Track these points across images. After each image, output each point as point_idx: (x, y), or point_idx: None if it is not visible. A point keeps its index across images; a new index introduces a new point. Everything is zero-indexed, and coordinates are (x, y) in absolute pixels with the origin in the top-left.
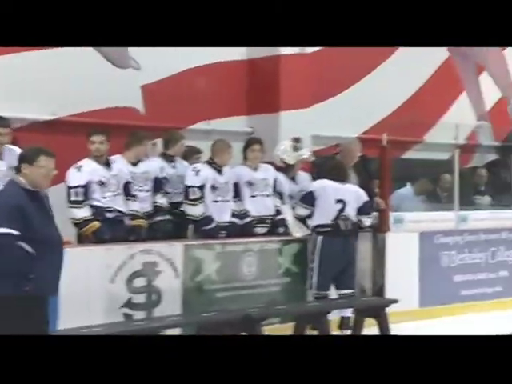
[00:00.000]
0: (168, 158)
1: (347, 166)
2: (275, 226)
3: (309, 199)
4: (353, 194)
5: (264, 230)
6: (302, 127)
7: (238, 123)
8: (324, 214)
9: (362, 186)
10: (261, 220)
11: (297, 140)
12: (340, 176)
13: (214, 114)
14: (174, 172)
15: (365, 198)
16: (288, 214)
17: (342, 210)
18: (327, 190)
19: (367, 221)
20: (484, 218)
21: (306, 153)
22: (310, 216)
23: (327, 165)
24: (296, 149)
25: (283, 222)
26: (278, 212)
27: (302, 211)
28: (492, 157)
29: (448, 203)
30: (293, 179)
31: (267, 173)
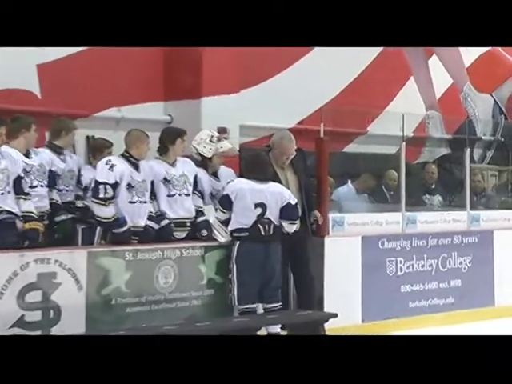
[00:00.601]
0: (56, 150)
1: (281, 162)
2: (196, 229)
3: (225, 202)
4: (275, 195)
5: (183, 235)
6: (227, 116)
7: (153, 110)
8: (241, 218)
9: (299, 185)
10: (180, 223)
11: (223, 130)
12: (260, 174)
13: (125, 99)
14: (64, 166)
15: (289, 200)
16: (210, 216)
17: (262, 214)
18: (244, 192)
19: (289, 227)
20: (434, 220)
21: (225, 145)
22: (229, 220)
23: (246, 161)
24: (214, 140)
25: (205, 225)
26: (200, 214)
27: (221, 215)
28: (443, 151)
29: (394, 203)
30: (215, 175)
31: (186, 168)
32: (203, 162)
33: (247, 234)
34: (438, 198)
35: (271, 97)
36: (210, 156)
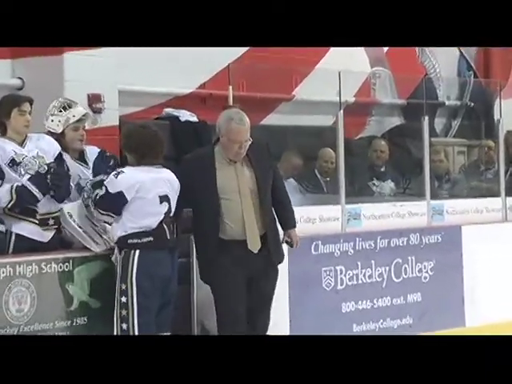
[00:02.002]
0: None
1: (232, 154)
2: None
3: (115, 203)
4: (174, 184)
5: (46, 239)
6: (101, 78)
7: None
8: (140, 219)
9: (258, 189)
10: (41, 221)
11: (95, 98)
12: (155, 157)
13: None
14: None
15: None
16: (75, 215)
17: (168, 211)
18: (145, 184)
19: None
20: (385, 213)
21: (78, 111)
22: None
23: (134, 139)
24: (66, 108)
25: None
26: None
27: (104, 218)
28: (395, 121)
29: (331, 193)
30: (82, 160)
31: (42, 146)
32: (60, 143)
33: (151, 239)
34: (388, 185)
35: (160, 52)
36: (59, 131)
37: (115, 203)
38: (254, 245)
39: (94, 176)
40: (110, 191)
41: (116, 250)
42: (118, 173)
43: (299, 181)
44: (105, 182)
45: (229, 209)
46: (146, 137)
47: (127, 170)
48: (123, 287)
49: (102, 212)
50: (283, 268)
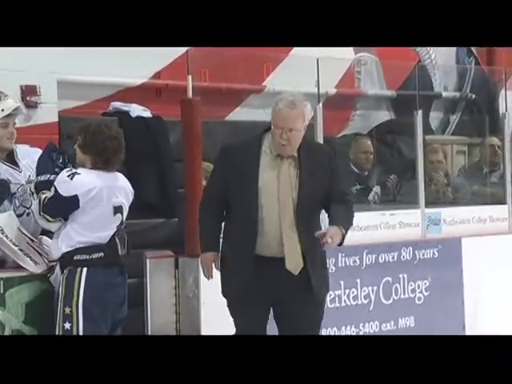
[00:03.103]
0: None
1: (276, 143)
2: None
3: (66, 208)
4: (128, 192)
5: None
6: (37, 67)
7: None
8: (91, 231)
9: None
10: None
11: (29, 90)
12: (117, 161)
13: None
14: None
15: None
16: (13, 228)
17: (121, 223)
18: (100, 190)
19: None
20: (371, 224)
21: (8, 105)
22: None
23: (93, 138)
24: None
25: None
26: None
27: (50, 225)
28: (383, 116)
29: None
30: (12, 162)
31: None
32: None
33: (101, 255)
34: (375, 191)
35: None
36: None
37: (67, 209)
38: (293, 264)
39: (38, 175)
40: (63, 194)
41: (57, 268)
42: (73, 173)
43: None
44: (55, 183)
45: (264, 218)
46: (112, 140)
47: (83, 172)
48: (67, 311)
49: (51, 219)
50: None
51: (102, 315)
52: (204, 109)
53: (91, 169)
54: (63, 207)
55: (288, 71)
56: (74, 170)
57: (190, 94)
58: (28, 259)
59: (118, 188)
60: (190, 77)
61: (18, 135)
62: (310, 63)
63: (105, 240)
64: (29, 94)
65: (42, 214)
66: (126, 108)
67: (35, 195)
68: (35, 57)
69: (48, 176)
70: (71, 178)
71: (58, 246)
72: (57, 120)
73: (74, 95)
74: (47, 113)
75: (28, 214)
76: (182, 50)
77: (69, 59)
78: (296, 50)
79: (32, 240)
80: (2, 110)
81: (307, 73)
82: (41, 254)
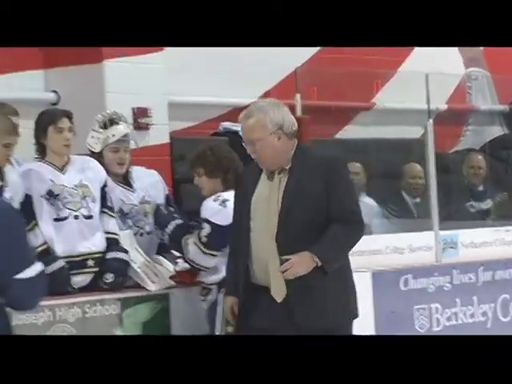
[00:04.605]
0: None
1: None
2: (104, 271)
3: (223, 237)
4: None
5: (84, 282)
6: (148, 89)
7: (26, 84)
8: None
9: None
10: (76, 263)
11: (141, 112)
12: (234, 176)
13: None
14: None
15: None
16: (131, 248)
17: None
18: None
19: None
20: (486, 240)
21: (118, 131)
22: None
23: (223, 160)
24: (107, 125)
25: (116, 266)
26: (112, 245)
27: (215, 260)
28: (495, 131)
29: (422, 217)
30: (126, 183)
31: (86, 173)
32: (101, 163)
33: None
34: (486, 205)
35: (217, 56)
36: (97, 150)
37: (228, 236)
38: (277, 292)
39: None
40: (221, 224)
41: (214, 289)
42: (223, 201)
43: (383, 203)
44: (208, 217)
45: (252, 242)
46: (232, 158)
47: (228, 195)
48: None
49: (217, 253)
50: (367, 306)
51: None
52: (313, 127)
53: (225, 190)
54: (225, 236)
55: (397, 88)
56: (220, 198)
57: (298, 112)
58: (146, 278)
59: None
60: (298, 95)
61: (131, 156)
62: (420, 79)
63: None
64: (140, 115)
65: (207, 252)
66: (236, 128)
67: (149, 215)
68: (147, 79)
69: (174, 222)
70: (224, 206)
71: (218, 270)
72: (168, 141)
73: (185, 116)
74: (159, 134)
75: (142, 235)
76: (290, 68)
77: (179, 81)
78: (404, 66)
79: (148, 260)
80: (113, 136)
81: (417, 89)
82: (156, 274)
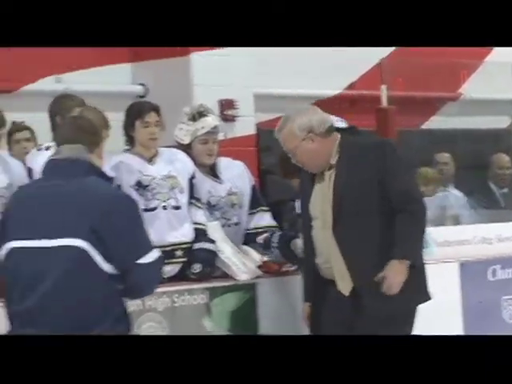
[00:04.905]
0: None
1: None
2: (192, 261)
3: None
4: None
5: (173, 272)
6: (234, 81)
7: (113, 78)
8: None
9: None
10: (167, 253)
11: (227, 103)
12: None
13: (67, 63)
14: None
15: None
16: (219, 238)
17: None
18: None
19: None
20: None
21: (207, 123)
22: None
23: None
24: (196, 117)
25: (204, 256)
26: (200, 236)
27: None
28: None
29: (510, 207)
30: (213, 174)
31: (175, 164)
32: (189, 155)
33: None
34: None
35: (303, 49)
36: (186, 142)
37: None
38: (343, 286)
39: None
40: None
41: None
42: None
43: (470, 194)
44: None
45: (316, 237)
46: None
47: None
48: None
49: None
50: (455, 296)
51: None
52: (399, 118)
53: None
54: None
55: (483, 78)
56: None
57: (384, 103)
58: (234, 268)
59: None
60: (384, 86)
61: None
62: (506, 69)
63: None
64: (227, 107)
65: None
66: None
67: (236, 206)
68: (233, 71)
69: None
70: None
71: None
72: (254, 132)
73: (270, 108)
74: (245, 126)
75: (229, 226)
76: (375, 60)
77: (265, 72)
78: (490, 57)
79: (235, 250)
80: (203, 128)
81: (503, 79)
82: (244, 264)
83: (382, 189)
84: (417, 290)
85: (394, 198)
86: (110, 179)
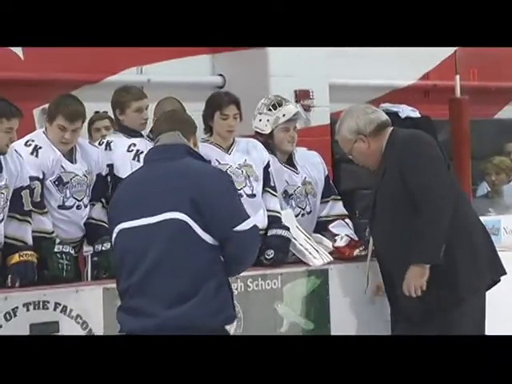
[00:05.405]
0: None
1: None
2: (266, 247)
3: None
4: None
5: None
6: (310, 72)
7: (193, 69)
8: None
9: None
10: None
11: (303, 94)
12: None
13: (149, 54)
14: None
15: None
16: (292, 226)
17: None
18: None
19: None
20: None
21: (288, 110)
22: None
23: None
24: (275, 107)
25: (278, 243)
26: (274, 223)
27: None
28: None
29: None
30: (290, 164)
31: (251, 154)
32: (267, 145)
33: None
34: None
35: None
36: (268, 131)
37: None
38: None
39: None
40: None
41: None
42: None
43: None
44: None
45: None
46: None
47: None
48: None
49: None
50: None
51: None
52: (472, 108)
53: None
54: None
55: None
56: None
57: (458, 93)
58: (308, 254)
59: None
60: (457, 76)
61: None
62: None
63: None
64: (302, 98)
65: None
66: (396, 109)
67: (310, 196)
68: (308, 62)
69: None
70: None
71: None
72: (329, 122)
73: (345, 98)
74: (320, 116)
75: (303, 215)
76: (449, 50)
77: (339, 63)
78: None
79: (308, 237)
80: (284, 115)
81: None
82: (317, 250)
83: (405, 187)
84: (475, 268)
85: (415, 196)
86: (206, 161)
